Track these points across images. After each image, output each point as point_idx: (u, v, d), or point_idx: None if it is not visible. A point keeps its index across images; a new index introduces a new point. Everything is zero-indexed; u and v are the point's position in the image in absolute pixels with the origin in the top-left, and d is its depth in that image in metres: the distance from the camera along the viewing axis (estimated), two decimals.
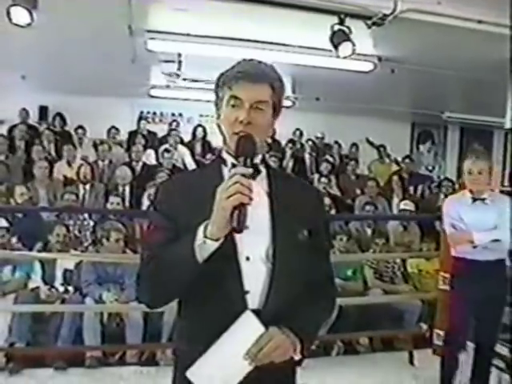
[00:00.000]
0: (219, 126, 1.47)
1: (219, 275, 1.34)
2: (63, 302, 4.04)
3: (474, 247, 3.16)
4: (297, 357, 1.39)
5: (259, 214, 1.36)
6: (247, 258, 1.37)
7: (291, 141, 8.36)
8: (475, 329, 3.33)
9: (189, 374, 1.35)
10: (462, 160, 3.40)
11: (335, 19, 4.38)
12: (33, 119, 8.02)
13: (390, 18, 4.27)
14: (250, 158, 1.32)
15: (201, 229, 1.27)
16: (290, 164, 7.86)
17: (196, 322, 1.41)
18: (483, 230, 3.14)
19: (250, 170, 1.29)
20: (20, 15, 3.83)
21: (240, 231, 1.24)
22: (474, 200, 3.23)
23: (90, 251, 4.63)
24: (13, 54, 5.74)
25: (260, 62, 1.42)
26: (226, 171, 1.43)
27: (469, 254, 3.22)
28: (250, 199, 1.24)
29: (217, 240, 1.27)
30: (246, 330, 1.33)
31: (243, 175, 1.25)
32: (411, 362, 4.16)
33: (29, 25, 3.88)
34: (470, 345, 3.41)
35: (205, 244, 1.26)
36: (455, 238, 3.29)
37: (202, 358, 1.33)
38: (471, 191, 3.25)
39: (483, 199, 3.22)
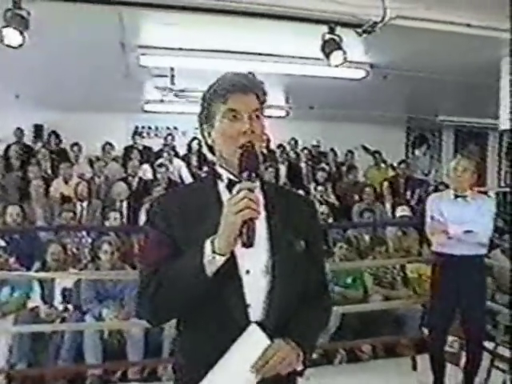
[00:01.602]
0: (208, 145, 1.48)
1: (220, 290, 1.33)
2: (63, 320, 4.01)
3: (449, 238, 3.30)
4: (299, 367, 1.39)
5: (257, 226, 1.35)
6: (247, 272, 1.37)
7: (281, 146, 8.37)
8: (462, 320, 3.49)
9: None
10: None
11: (325, 28, 4.41)
12: (28, 138, 8.02)
13: (379, 26, 4.29)
14: (254, 172, 1.31)
15: (207, 244, 1.27)
16: (284, 171, 7.85)
17: (197, 337, 1.40)
18: (460, 223, 3.30)
19: (257, 184, 1.30)
20: (12, 36, 3.83)
21: (250, 246, 1.24)
22: (456, 197, 3.39)
23: (88, 268, 4.61)
24: (6, 73, 5.75)
25: (243, 74, 1.43)
26: (221, 186, 1.43)
27: (445, 247, 3.37)
28: (258, 213, 1.25)
29: (224, 255, 1.27)
30: (252, 343, 1.32)
31: (249, 189, 1.25)
32: (414, 367, 4.14)
33: (20, 46, 3.88)
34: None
35: (214, 259, 1.26)
36: (431, 228, 3.46)
37: (209, 373, 1.32)
38: (455, 189, 3.41)
39: (465, 196, 3.37)
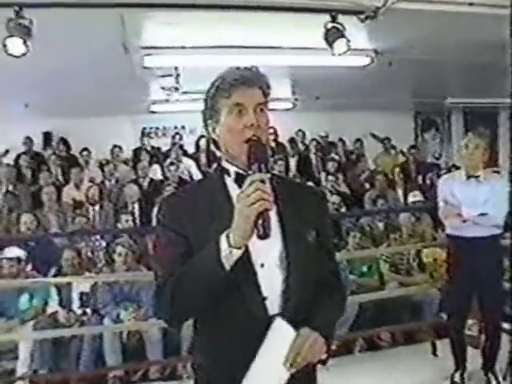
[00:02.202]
0: (214, 140, 1.47)
1: (236, 284, 1.33)
2: (82, 324, 4.05)
3: (464, 221, 3.25)
4: (323, 356, 1.40)
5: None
6: (262, 265, 1.37)
7: (292, 139, 8.32)
8: (479, 303, 3.44)
9: None
10: None
11: (327, 17, 4.37)
12: (37, 146, 8.07)
13: (382, 11, 4.25)
14: (264, 163, 1.30)
15: (223, 239, 1.27)
16: (293, 163, 7.81)
17: (215, 335, 1.41)
18: (474, 205, 3.24)
19: (268, 176, 1.28)
20: (15, 46, 3.86)
21: (265, 237, 1.24)
22: (469, 177, 3.31)
23: (104, 272, 4.64)
24: (15, 83, 5.79)
25: (245, 68, 1.42)
26: (229, 181, 1.43)
27: (459, 230, 3.32)
28: (271, 204, 1.24)
29: (240, 248, 1.27)
30: (280, 337, 1.32)
31: (261, 181, 1.25)
32: (434, 352, 4.12)
33: (24, 55, 3.90)
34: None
35: (230, 254, 1.26)
36: (445, 212, 3.39)
37: (246, 376, 1.31)
38: (467, 169, 3.33)
39: (477, 176, 3.30)
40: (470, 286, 3.33)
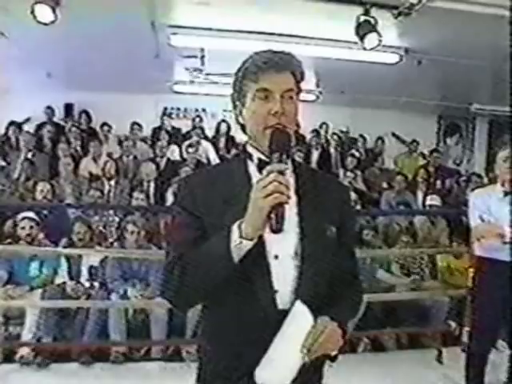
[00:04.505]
0: (240, 124, 1.43)
1: (248, 275, 1.29)
2: (89, 297, 4.07)
3: (504, 243, 2.86)
4: (336, 351, 1.36)
5: (287, 211, 1.29)
6: (276, 257, 1.33)
7: (316, 131, 8.26)
8: (506, 329, 3.15)
9: (256, 377, 1.30)
10: (492, 153, 3.27)
11: (360, 10, 4.30)
12: (58, 117, 8.10)
13: (417, 8, 4.16)
14: (285, 153, 1.26)
15: (234, 229, 1.23)
16: (316, 156, 7.75)
17: (222, 323, 1.37)
18: None
19: (288, 166, 1.24)
20: (44, 13, 3.85)
21: (278, 231, 1.20)
22: (506, 194, 2.99)
23: (115, 247, 4.65)
24: (38, 51, 5.79)
25: (277, 51, 1.36)
26: (251, 167, 1.39)
27: (495, 252, 2.96)
28: (288, 198, 1.20)
29: (251, 240, 1.23)
30: (299, 322, 1.29)
31: (280, 172, 1.20)
32: (439, 360, 4.07)
33: (52, 22, 3.90)
34: (503, 343, 3.30)
35: (241, 244, 1.22)
36: (482, 231, 3.01)
37: (264, 358, 1.29)
38: (503, 184, 3.02)
39: None
40: (502, 316, 3.02)
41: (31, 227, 4.23)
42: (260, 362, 1.29)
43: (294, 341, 1.28)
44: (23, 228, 4.22)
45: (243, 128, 1.43)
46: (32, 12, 3.87)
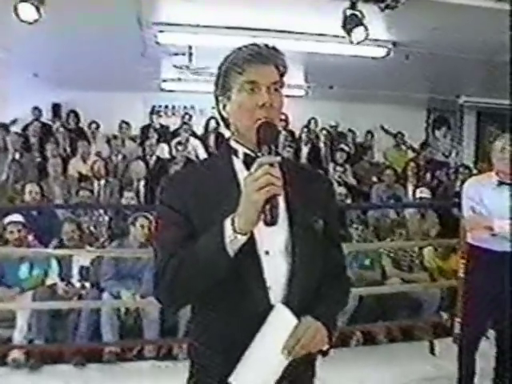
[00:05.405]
0: (224, 119, 1.41)
1: (240, 271, 1.28)
2: (80, 298, 4.05)
3: (493, 235, 2.88)
4: (325, 347, 1.36)
5: None
6: (266, 253, 1.32)
7: (306, 127, 8.26)
8: (495, 317, 3.15)
9: (232, 379, 1.29)
10: (480, 145, 3.26)
11: (347, 4, 4.28)
12: (46, 117, 8.03)
13: (403, 1, 4.15)
14: (274, 145, 1.25)
15: (228, 224, 1.21)
16: (305, 151, 7.75)
17: (214, 321, 1.36)
18: (506, 217, 2.85)
19: (278, 159, 1.22)
20: (28, 11, 3.80)
21: (273, 224, 1.19)
22: (500, 184, 2.96)
23: (112, 246, 4.60)
24: (24, 52, 5.73)
25: (263, 44, 1.36)
26: (237, 163, 1.38)
27: (485, 242, 2.97)
28: (281, 190, 1.20)
29: (245, 234, 1.22)
30: (280, 324, 1.29)
31: (271, 164, 1.19)
32: (432, 351, 4.10)
33: (36, 21, 3.84)
34: (492, 333, 3.32)
35: (235, 239, 1.21)
36: (472, 223, 3.03)
37: (241, 360, 1.28)
38: (498, 174, 2.98)
39: (510, 184, 2.94)
40: (492, 304, 3.00)
41: (19, 231, 4.19)
42: (235, 367, 1.28)
43: (273, 343, 1.27)
44: (12, 232, 4.18)
45: (226, 123, 1.42)
46: (15, 11, 3.81)
